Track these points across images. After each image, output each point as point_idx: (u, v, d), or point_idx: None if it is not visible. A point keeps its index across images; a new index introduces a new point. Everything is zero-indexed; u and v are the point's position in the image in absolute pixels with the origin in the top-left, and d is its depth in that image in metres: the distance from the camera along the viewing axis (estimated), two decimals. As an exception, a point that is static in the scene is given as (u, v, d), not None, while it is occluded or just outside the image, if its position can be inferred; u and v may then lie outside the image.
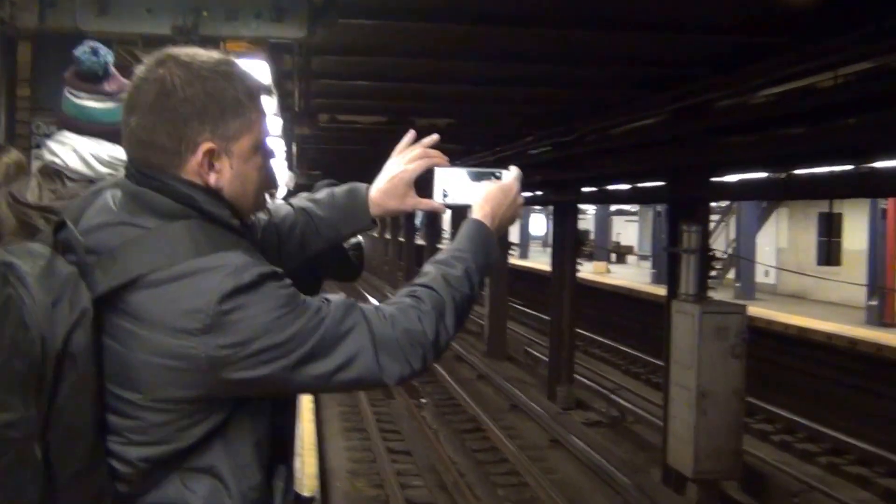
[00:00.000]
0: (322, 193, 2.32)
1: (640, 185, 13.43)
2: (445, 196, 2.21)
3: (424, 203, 2.24)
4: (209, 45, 5.56)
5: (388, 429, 14.01)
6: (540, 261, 35.49)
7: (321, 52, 8.21)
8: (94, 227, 1.78)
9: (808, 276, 19.92)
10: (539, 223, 46.87)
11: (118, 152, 2.90)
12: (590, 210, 38.64)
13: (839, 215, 21.47)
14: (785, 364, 16.47)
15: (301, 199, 2.33)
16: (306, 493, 6.73)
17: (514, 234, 35.64)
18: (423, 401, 16.30)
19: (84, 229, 1.78)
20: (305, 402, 10.40)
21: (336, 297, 1.82)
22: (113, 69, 2.96)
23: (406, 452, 12.90)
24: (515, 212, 2.16)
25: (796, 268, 21.89)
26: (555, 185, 14.72)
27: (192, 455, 1.74)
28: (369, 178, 2.28)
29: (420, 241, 33.01)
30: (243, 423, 1.79)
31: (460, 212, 2.22)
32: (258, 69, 7.82)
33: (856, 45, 6.80)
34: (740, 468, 10.66)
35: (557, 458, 12.75)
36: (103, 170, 2.88)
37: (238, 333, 1.67)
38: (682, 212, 10.85)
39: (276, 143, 17.57)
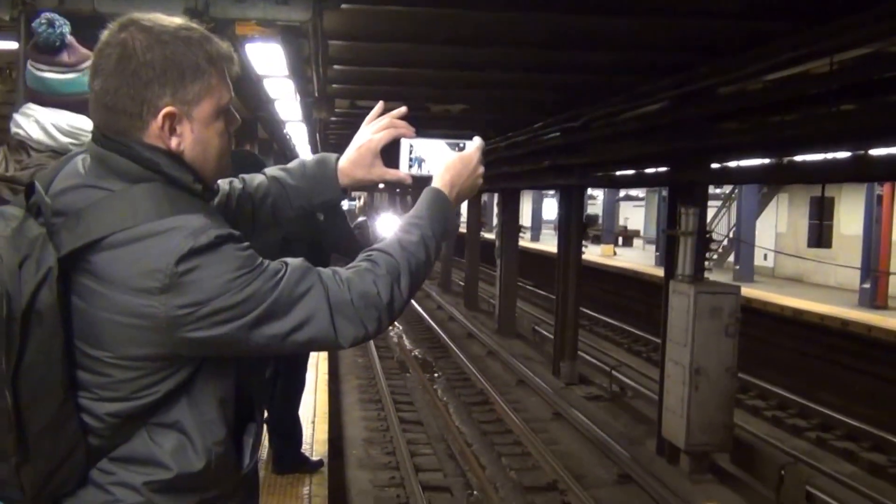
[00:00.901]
0: (294, 163, 2.28)
1: (645, 170, 13.39)
2: (411, 167, 2.18)
3: (391, 173, 2.21)
4: (220, 27, 5.61)
5: (402, 401, 14.07)
6: (551, 244, 35.51)
7: (335, 38, 8.18)
8: (63, 190, 1.78)
9: (805, 259, 19.84)
10: (552, 207, 46.81)
11: (78, 121, 2.90)
12: (598, 195, 38.60)
13: (831, 199, 21.37)
14: (779, 343, 16.44)
15: (273, 169, 2.29)
16: (316, 458, 6.86)
17: (526, 218, 35.61)
18: (437, 374, 16.38)
19: (53, 193, 1.78)
20: (321, 375, 10.45)
21: (294, 260, 1.81)
22: (71, 40, 2.95)
23: (418, 423, 12.97)
24: (475, 181, 2.13)
25: (795, 252, 21.82)
26: (561, 170, 14.69)
27: (158, 411, 1.76)
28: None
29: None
30: (208, 381, 1.79)
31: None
32: (271, 53, 7.84)
33: (851, 31, 6.73)
34: (731, 441, 10.69)
35: (559, 430, 12.79)
36: (64, 139, 2.89)
37: (195, 293, 1.66)
38: (682, 195, 10.85)
39: (298, 128, 17.65)
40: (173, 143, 1.80)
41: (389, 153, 2.21)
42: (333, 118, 15.21)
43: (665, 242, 11.51)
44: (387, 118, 2.22)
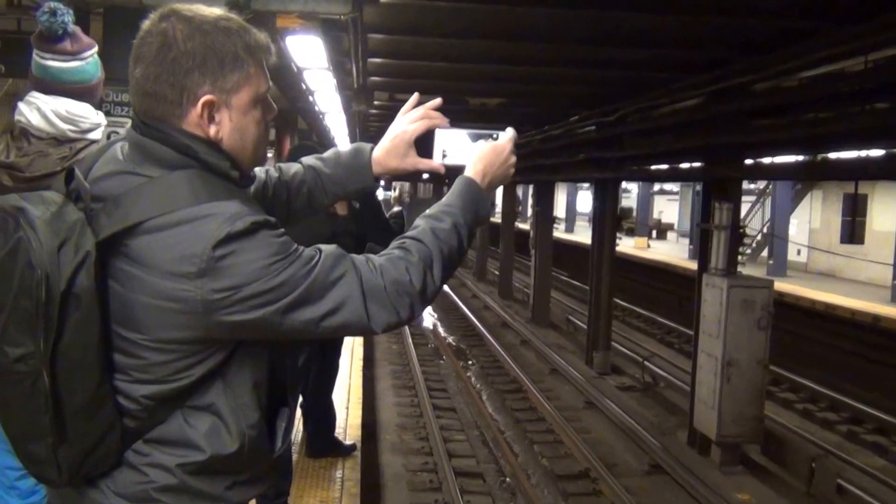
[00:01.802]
0: (329, 153, 2.30)
1: (679, 165, 13.28)
2: (445, 157, 2.18)
3: (424, 163, 2.20)
4: (261, 19, 5.60)
5: (436, 387, 14.04)
6: (584, 235, 35.37)
7: (375, 31, 8.17)
8: (102, 176, 1.80)
9: (838, 255, 19.61)
10: (586, 200, 46.63)
11: (78, 108, 2.90)
12: (633, 188, 38.38)
13: (864, 196, 21.13)
14: (810, 337, 16.28)
15: (309, 158, 2.30)
16: (349, 442, 6.86)
17: (560, 210, 35.49)
18: (471, 362, 16.35)
19: (92, 178, 1.80)
20: (355, 360, 10.45)
21: (328, 246, 1.81)
22: (74, 29, 2.95)
23: (451, 409, 12.93)
24: (507, 171, 2.13)
25: (827, 248, 21.59)
26: (596, 163, 14.60)
27: (193, 394, 1.77)
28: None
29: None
30: (242, 365, 1.81)
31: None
32: (312, 45, 7.82)
33: (886, 31, 6.63)
34: (761, 433, 10.60)
35: (591, 419, 12.71)
36: (63, 126, 2.89)
37: (230, 278, 1.67)
38: (716, 190, 10.74)
39: (338, 119, 17.65)
40: (212, 130, 1.81)
41: (424, 144, 2.20)
42: (373, 110, 15.19)
43: (699, 236, 11.38)
44: (421, 109, 2.22)
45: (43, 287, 1.61)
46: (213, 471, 1.80)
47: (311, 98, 14.59)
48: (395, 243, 1.91)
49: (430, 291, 1.88)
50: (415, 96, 2.24)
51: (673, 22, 7.54)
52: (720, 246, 10.46)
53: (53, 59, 2.93)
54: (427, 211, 1.99)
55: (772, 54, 8.19)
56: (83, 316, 1.66)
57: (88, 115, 2.96)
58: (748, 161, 10.36)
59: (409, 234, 1.93)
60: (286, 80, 13.98)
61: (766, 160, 10.42)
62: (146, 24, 1.79)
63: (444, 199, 2.03)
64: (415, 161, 2.21)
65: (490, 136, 2.16)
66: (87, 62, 3.00)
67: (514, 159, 2.14)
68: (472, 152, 2.11)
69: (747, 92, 9.08)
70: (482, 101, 13.87)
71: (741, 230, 10.81)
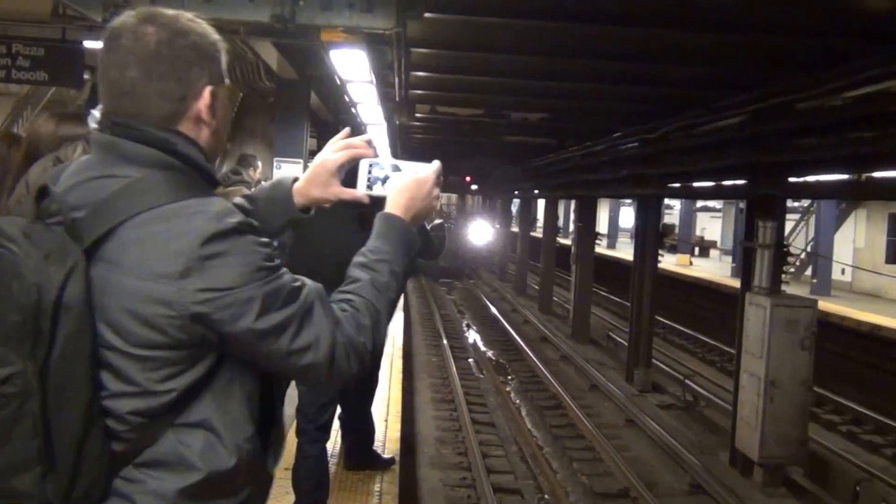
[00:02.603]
0: (255, 190, 2.26)
1: (711, 182, 13.19)
2: (369, 187, 2.13)
3: (347, 192, 2.14)
4: (306, 33, 5.62)
5: (475, 402, 13.97)
6: (626, 251, 35.17)
7: (418, 45, 8.19)
8: (72, 186, 1.71)
9: (883, 274, 19.33)
10: (628, 216, 46.44)
11: None
12: (675, 205, 38.14)
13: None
14: (855, 358, 16.04)
15: (238, 199, 2.20)
16: (387, 455, 6.83)
17: (602, 225, 35.35)
18: (510, 377, 16.28)
19: (61, 191, 1.72)
20: (394, 373, 10.43)
21: (314, 283, 1.77)
22: None
23: (490, 424, 12.86)
24: (430, 204, 2.08)
25: (872, 268, 21.29)
26: (639, 180, 14.53)
27: (183, 410, 1.67)
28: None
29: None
30: (233, 377, 1.73)
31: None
32: (356, 59, 7.85)
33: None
34: (805, 455, 10.44)
35: (631, 437, 12.59)
36: None
37: (217, 279, 1.61)
38: (760, 208, 10.63)
39: (380, 131, 17.70)
40: (214, 119, 1.81)
41: (351, 174, 2.16)
42: (415, 122, 15.24)
43: (742, 254, 11.25)
44: (345, 140, 2.17)
45: (33, 298, 1.52)
46: (211, 493, 1.69)
47: (353, 110, 14.66)
48: (339, 297, 1.86)
49: (378, 349, 1.85)
50: (345, 131, 2.20)
51: (714, 40, 7.49)
52: (764, 264, 10.35)
53: None
54: (358, 258, 1.93)
55: (816, 73, 8.13)
56: (75, 328, 1.57)
57: None
58: (792, 179, 10.25)
59: (350, 288, 1.87)
60: (329, 91, 14.09)
61: (811, 179, 10.31)
62: (128, 25, 1.75)
63: (372, 241, 1.98)
64: (337, 190, 2.14)
65: (415, 168, 2.11)
66: None
67: (437, 192, 2.10)
68: (393, 185, 2.08)
69: (790, 111, 9.00)
70: (524, 116, 13.88)
71: (785, 249, 10.67)
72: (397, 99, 11.08)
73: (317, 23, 5.68)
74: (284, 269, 1.71)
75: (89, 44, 10.04)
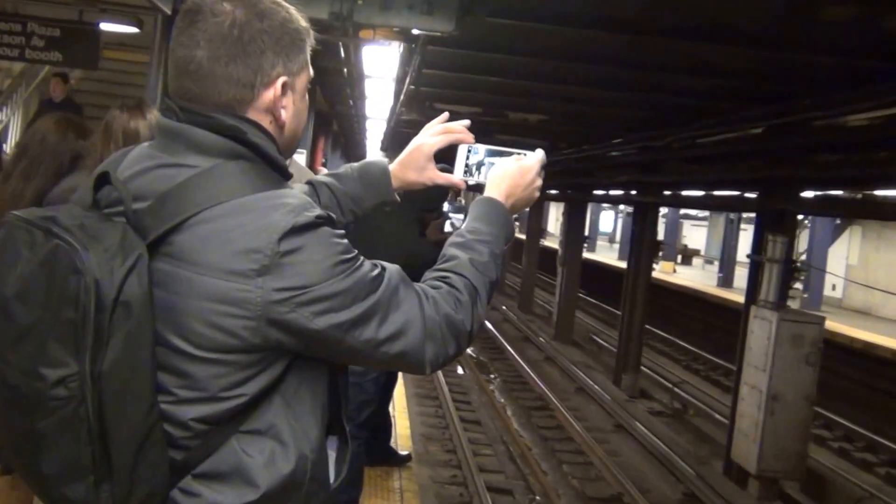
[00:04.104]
0: (343, 169, 2.17)
1: (720, 192, 13.27)
2: (467, 173, 2.08)
3: (443, 177, 2.09)
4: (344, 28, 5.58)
5: (459, 399, 13.99)
6: (605, 255, 35.34)
7: (440, 44, 8.11)
8: (134, 174, 1.62)
9: (881, 290, 19.47)
10: (607, 220, 46.69)
11: None
12: (661, 212, 38.31)
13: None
14: (847, 375, 16.16)
15: (322, 176, 2.17)
16: (403, 451, 6.85)
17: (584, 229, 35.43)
18: (493, 375, 16.33)
19: (124, 179, 1.62)
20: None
21: (392, 265, 1.68)
22: None
23: (476, 422, 12.91)
24: (531, 194, 2.02)
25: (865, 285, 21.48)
26: (639, 187, 14.60)
27: (249, 416, 1.57)
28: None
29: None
30: (302, 382, 1.63)
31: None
32: (386, 55, 7.80)
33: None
34: (804, 470, 10.55)
35: (621, 442, 12.68)
36: None
37: (296, 277, 1.51)
38: (771, 223, 10.71)
39: (376, 126, 17.73)
40: (283, 114, 1.69)
41: (447, 159, 2.13)
42: (414, 118, 15.20)
43: (750, 267, 11.34)
44: (444, 124, 2.11)
45: (92, 294, 1.42)
46: None
47: (350, 102, 14.65)
48: (435, 274, 1.79)
49: (476, 329, 1.76)
50: (444, 115, 2.14)
51: (741, 54, 7.50)
52: (772, 279, 10.43)
53: None
54: (456, 238, 1.86)
55: (838, 92, 8.16)
56: (135, 327, 1.46)
57: None
58: (806, 194, 10.36)
59: (448, 266, 1.80)
60: (330, 83, 14.07)
61: (825, 194, 10.43)
62: (206, 2, 1.63)
63: (471, 222, 1.90)
64: (433, 175, 2.10)
65: (518, 155, 2.04)
66: None
67: (539, 182, 2.03)
68: (495, 170, 2.01)
69: (809, 127, 9.07)
70: (523, 117, 13.88)
71: (794, 265, 10.76)
72: (406, 94, 11.08)
73: (374, 22, 5.63)
74: (363, 259, 1.62)
75: (105, 26, 9.95)
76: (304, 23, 1.71)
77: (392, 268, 1.66)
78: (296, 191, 1.63)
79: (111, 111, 3.22)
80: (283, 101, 1.67)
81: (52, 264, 1.44)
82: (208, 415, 1.53)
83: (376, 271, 1.62)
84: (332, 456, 1.75)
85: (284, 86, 1.66)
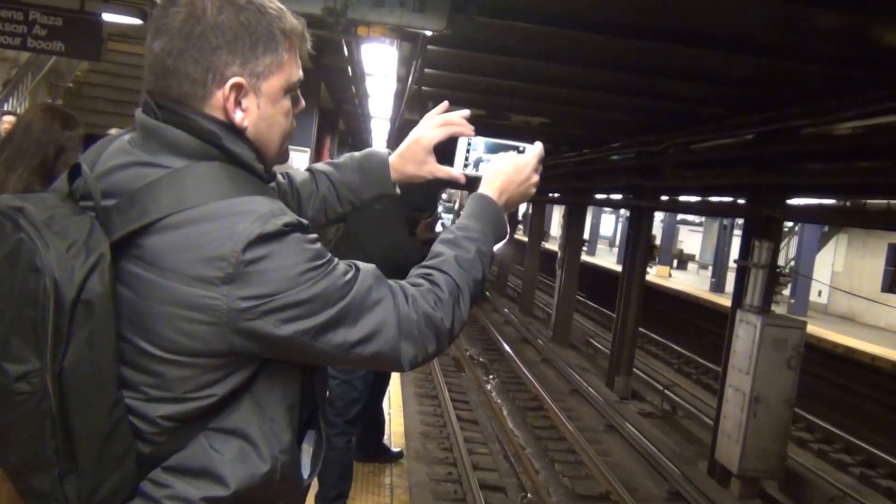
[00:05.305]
0: (342, 158, 2.13)
1: (713, 198, 13.35)
2: (466, 166, 2.02)
3: (443, 170, 2.04)
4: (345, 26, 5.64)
5: (458, 399, 14.10)
6: (604, 259, 35.36)
7: (442, 44, 8.14)
8: (110, 169, 1.57)
9: (867, 299, 19.58)
10: (608, 224, 46.67)
11: None
12: (658, 216, 38.33)
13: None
14: (829, 379, 16.31)
15: (321, 165, 2.13)
16: (395, 449, 6.96)
17: (584, 232, 35.42)
18: (491, 376, 16.44)
19: (99, 173, 1.57)
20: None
21: (366, 265, 1.63)
22: None
23: (473, 422, 13.02)
24: (527, 191, 1.95)
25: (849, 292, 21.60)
26: (635, 191, 14.68)
27: (219, 414, 1.55)
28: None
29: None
30: (273, 383, 1.59)
31: None
32: (385, 53, 7.80)
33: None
34: (783, 469, 10.68)
35: (612, 442, 12.81)
36: None
37: (261, 285, 1.47)
38: (758, 228, 10.83)
39: (380, 125, 17.76)
40: (237, 117, 1.60)
41: (446, 152, 2.06)
42: (412, 118, 15.26)
43: (736, 272, 11.46)
44: (443, 116, 2.06)
45: (52, 295, 1.40)
46: None
47: (356, 101, 14.62)
48: (418, 271, 1.75)
49: (457, 328, 1.71)
50: (443, 105, 2.09)
51: (729, 59, 7.56)
52: (757, 284, 10.54)
53: None
54: (445, 234, 1.80)
55: (827, 100, 8.24)
56: (96, 326, 1.44)
57: None
58: (793, 202, 10.46)
59: (432, 263, 1.75)
60: (336, 81, 14.12)
61: (812, 202, 10.52)
62: None
63: (462, 219, 1.85)
64: (433, 168, 2.05)
65: (515, 148, 1.98)
66: None
67: (536, 178, 1.96)
68: (490, 167, 1.95)
69: (798, 135, 9.17)
70: (525, 119, 13.94)
71: (778, 270, 10.89)
72: (408, 94, 11.14)
73: (368, 19, 5.62)
74: (336, 262, 1.57)
75: (108, 16, 9.88)
76: (288, 23, 1.63)
77: (366, 268, 1.62)
78: (266, 198, 1.56)
79: None
80: (243, 103, 1.60)
81: (15, 258, 1.43)
82: (176, 413, 1.51)
83: (349, 274, 1.58)
84: (308, 450, 1.73)
85: (239, 87, 1.58)
